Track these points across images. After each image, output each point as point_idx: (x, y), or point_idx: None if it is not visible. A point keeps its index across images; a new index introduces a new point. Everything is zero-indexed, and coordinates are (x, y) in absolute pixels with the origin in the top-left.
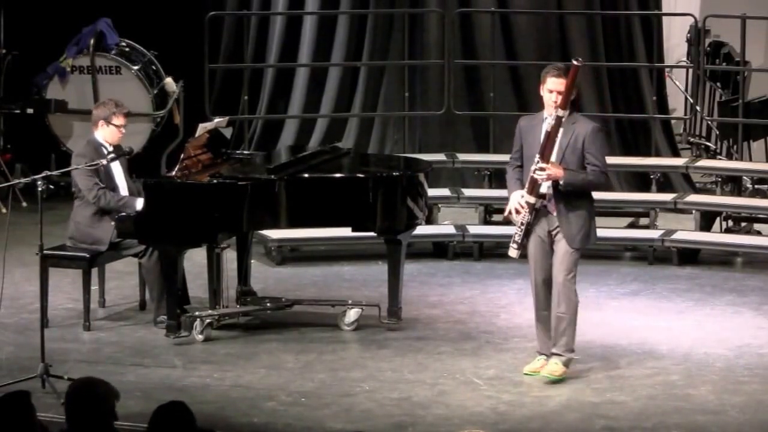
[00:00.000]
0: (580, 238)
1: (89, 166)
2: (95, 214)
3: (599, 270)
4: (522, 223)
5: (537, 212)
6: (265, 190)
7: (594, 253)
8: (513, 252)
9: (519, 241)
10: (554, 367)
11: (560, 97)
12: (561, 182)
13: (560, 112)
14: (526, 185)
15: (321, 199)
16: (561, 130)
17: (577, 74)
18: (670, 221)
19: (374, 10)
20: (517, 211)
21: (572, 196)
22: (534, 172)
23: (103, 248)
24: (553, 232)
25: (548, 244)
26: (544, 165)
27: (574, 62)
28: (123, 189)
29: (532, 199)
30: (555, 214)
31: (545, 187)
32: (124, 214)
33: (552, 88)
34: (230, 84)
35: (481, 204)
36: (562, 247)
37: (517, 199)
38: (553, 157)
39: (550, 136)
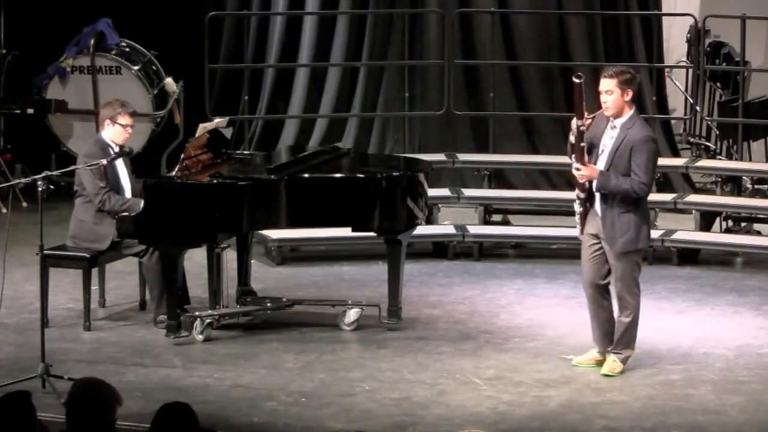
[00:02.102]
0: (623, 242)
1: (89, 166)
2: (100, 211)
3: None
4: (578, 213)
5: (589, 210)
6: (265, 190)
7: None
8: (580, 236)
9: (581, 223)
10: (612, 364)
11: (609, 99)
12: (594, 182)
13: (578, 122)
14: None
15: (321, 199)
16: (617, 132)
17: (581, 91)
18: (670, 221)
19: (374, 10)
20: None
21: (617, 199)
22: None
23: (104, 246)
24: (601, 236)
25: (597, 246)
26: (579, 166)
27: (575, 79)
28: (128, 190)
29: (582, 195)
30: (600, 214)
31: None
32: (133, 212)
33: (601, 89)
34: (230, 84)
35: (481, 204)
36: (611, 254)
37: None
38: (604, 159)
39: (575, 145)
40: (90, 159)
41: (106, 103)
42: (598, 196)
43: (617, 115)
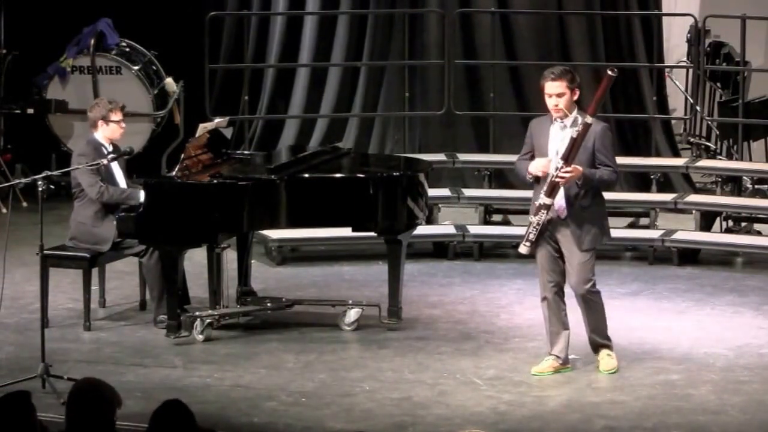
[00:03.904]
0: (590, 239)
1: (89, 165)
2: (98, 212)
3: (599, 270)
4: (538, 223)
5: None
6: (265, 190)
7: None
8: (524, 249)
9: (532, 239)
10: (610, 361)
11: (561, 101)
12: (579, 182)
13: (589, 119)
14: (545, 188)
15: (321, 199)
16: (570, 131)
17: (609, 84)
18: (670, 221)
19: (374, 10)
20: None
21: (582, 197)
22: (555, 177)
23: (105, 248)
24: (562, 238)
25: (556, 250)
26: (568, 168)
27: (609, 72)
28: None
29: (548, 201)
30: (564, 217)
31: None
32: (124, 213)
33: (551, 92)
34: (230, 84)
35: (481, 204)
36: (574, 254)
37: (540, 165)
38: (560, 157)
39: (576, 143)
40: (83, 159)
41: (92, 105)
42: (561, 197)
43: (565, 116)
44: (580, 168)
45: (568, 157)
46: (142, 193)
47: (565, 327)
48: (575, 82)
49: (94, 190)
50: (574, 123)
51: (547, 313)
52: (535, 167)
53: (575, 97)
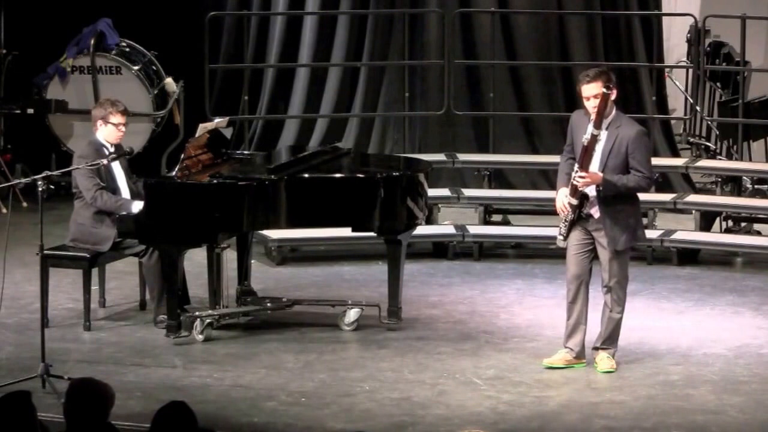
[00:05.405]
0: (624, 240)
1: (90, 165)
2: (98, 213)
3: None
4: (566, 220)
5: (581, 213)
6: (265, 190)
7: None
8: (560, 243)
9: (565, 233)
10: (609, 362)
11: (598, 102)
12: (600, 187)
13: (594, 131)
14: (569, 188)
15: (321, 200)
16: (605, 134)
17: (607, 101)
18: (669, 221)
19: (374, 10)
20: (562, 210)
21: (615, 198)
22: (574, 179)
23: (105, 248)
24: (595, 233)
25: (587, 242)
26: (583, 173)
27: (604, 90)
28: (124, 190)
29: (574, 201)
30: (597, 217)
31: (589, 190)
32: (124, 213)
33: (588, 94)
34: (230, 84)
35: (481, 204)
36: (607, 253)
37: (562, 198)
38: (596, 161)
39: (587, 151)
40: (84, 160)
41: (97, 103)
42: (594, 198)
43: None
44: (598, 174)
45: (581, 164)
46: (136, 205)
47: (583, 322)
48: (612, 81)
49: (89, 195)
50: (613, 125)
51: (570, 305)
52: (558, 203)
53: (613, 97)
